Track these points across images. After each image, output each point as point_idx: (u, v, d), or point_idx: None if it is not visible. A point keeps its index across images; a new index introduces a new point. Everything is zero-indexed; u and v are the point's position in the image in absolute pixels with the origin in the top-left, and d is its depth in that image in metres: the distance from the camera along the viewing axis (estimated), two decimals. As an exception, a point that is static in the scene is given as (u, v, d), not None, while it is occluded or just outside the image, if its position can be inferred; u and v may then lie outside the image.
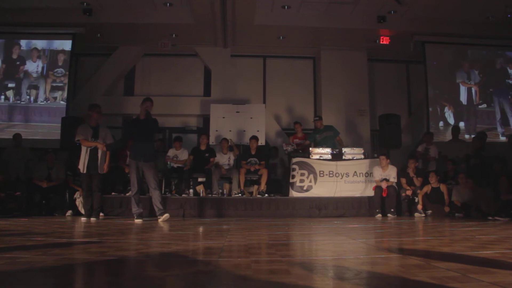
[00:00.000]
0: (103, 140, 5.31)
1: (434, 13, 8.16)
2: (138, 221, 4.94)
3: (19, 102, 8.68)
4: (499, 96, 9.19)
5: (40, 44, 8.88)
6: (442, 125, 8.99)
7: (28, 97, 8.72)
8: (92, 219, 5.19)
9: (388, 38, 8.86)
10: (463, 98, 9.16)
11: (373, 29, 8.61)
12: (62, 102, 8.70)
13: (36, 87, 8.76)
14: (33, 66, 8.80)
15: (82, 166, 5.22)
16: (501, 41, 9.04)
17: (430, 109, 8.98)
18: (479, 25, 8.42)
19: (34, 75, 8.78)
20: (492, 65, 9.37)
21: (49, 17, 8.13)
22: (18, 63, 8.79)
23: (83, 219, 5.18)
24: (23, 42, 8.87)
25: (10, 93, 8.68)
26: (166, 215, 5.09)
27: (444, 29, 8.63)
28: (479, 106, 9.15)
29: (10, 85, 8.71)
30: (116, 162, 6.79)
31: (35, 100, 8.72)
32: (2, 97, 8.68)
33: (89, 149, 5.24)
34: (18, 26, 8.43)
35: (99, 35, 8.79)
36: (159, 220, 5.04)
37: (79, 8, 7.91)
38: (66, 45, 8.84)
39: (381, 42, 8.93)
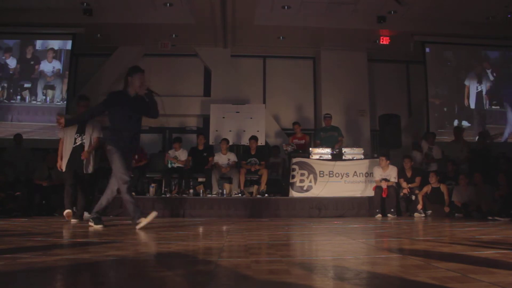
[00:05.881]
0: (90, 135, 4.95)
1: (434, 13, 8.18)
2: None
3: (35, 102, 8.64)
4: (508, 96, 9.17)
5: (56, 44, 8.86)
6: (456, 124, 8.87)
7: (44, 97, 8.69)
8: (73, 220, 4.74)
9: (388, 38, 8.88)
10: (472, 99, 9.10)
11: (373, 29, 8.62)
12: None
13: (53, 87, 8.72)
14: (49, 67, 8.78)
15: (64, 164, 4.84)
16: (502, 41, 9.04)
17: (445, 109, 8.98)
18: (479, 25, 8.43)
19: (50, 74, 8.75)
20: (499, 65, 9.35)
21: (49, 17, 8.13)
22: (32, 62, 8.77)
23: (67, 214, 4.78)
24: (38, 42, 8.85)
25: (26, 93, 8.66)
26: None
27: (444, 29, 8.64)
28: (493, 107, 9.12)
29: (26, 85, 8.69)
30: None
31: (51, 101, 8.67)
32: (18, 97, 8.65)
33: (72, 147, 4.90)
34: (18, 26, 8.42)
35: (99, 35, 8.79)
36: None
37: (79, 8, 7.92)
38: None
39: (381, 42, 8.94)
